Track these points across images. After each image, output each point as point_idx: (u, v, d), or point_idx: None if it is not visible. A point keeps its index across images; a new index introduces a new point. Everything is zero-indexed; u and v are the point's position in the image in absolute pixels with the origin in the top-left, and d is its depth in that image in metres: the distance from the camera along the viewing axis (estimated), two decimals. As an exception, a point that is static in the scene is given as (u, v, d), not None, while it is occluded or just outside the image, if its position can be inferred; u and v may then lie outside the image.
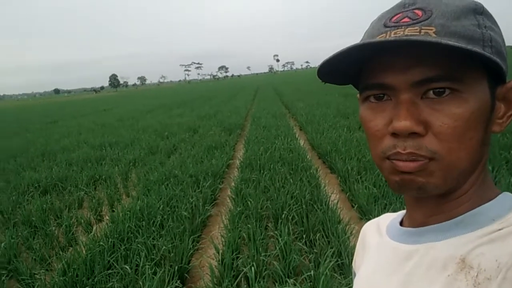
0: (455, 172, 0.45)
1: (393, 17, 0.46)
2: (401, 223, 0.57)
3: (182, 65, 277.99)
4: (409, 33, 0.43)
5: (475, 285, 0.41)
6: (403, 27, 0.44)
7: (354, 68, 0.50)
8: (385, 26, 0.46)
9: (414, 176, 0.45)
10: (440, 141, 0.43)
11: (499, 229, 0.43)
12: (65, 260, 3.28)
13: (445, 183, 0.45)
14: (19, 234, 4.26)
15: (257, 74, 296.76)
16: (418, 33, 0.43)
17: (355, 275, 0.66)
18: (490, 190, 0.49)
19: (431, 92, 0.44)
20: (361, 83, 0.50)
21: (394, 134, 0.45)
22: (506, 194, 0.49)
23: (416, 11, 0.45)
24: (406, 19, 0.45)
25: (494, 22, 0.47)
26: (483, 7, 0.46)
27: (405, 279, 0.49)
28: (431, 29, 0.43)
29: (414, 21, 0.44)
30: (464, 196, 0.48)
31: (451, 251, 0.45)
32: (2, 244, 3.86)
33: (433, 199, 0.49)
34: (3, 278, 3.39)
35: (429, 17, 0.44)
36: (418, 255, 0.49)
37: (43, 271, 3.39)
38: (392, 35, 0.44)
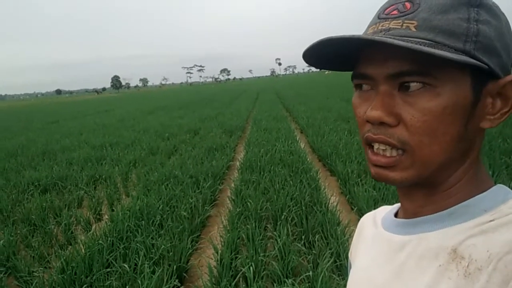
0: (429, 166, 0.46)
1: (387, 8, 0.48)
2: (396, 215, 0.58)
3: (184, 67, 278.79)
4: (393, 26, 0.45)
5: (466, 275, 0.41)
6: (389, 19, 0.46)
7: (348, 57, 0.51)
8: (378, 17, 0.48)
9: (388, 171, 0.47)
10: (411, 134, 0.44)
11: (491, 220, 0.43)
12: (64, 258, 3.28)
13: (419, 177, 0.46)
14: (18, 232, 4.27)
15: (259, 77, 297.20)
16: (400, 27, 0.44)
17: (350, 266, 0.66)
18: (484, 183, 0.49)
19: (405, 85, 0.44)
20: (353, 72, 0.52)
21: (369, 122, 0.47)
22: (500, 186, 0.49)
23: (407, 3, 0.46)
24: (395, 12, 0.46)
25: (494, 14, 0.45)
26: None
27: (398, 269, 0.49)
28: (413, 23, 0.44)
29: (401, 14, 0.45)
30: (453, 188, 0.48)
31: (443, 241, 0.46)
32: (1, 241, 3.86)
33: (421, 191, 0.50)
34: (2, 275, 3.38)
35: (415, 10, 0.44)
36: (411, 245, 0.49)
37: (42, 269, 3.39)
38: (379, 27, 0.46)
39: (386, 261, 0.52)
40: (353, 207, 4.27)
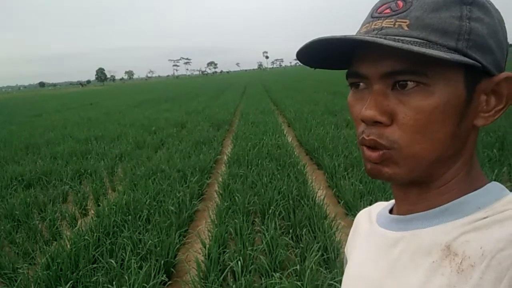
0: (422, 162, 0.46)
1: (379, 7, 0.47)
2: (391, 211, 0.58)
3: (171, 60, 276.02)
4: (386, 25, 0.44)
5: (459, 272, 0.42)
6: (382, 18, 0.46)
7: (342, 56, 0.50)
8: (371, 16, 0.48)
9: (381, 166, 0.47)
10: (403, 132, 0.44)
11: (485, 217, 0.44)
12: (49, 254, 3.23)
13: (411, 173, 0.46)
14: (2, 228, 4.18)
15: (246, 70, 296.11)
16: (392, 26, 0.44)
17: (346, 261, 0.67)
18: (478, 181, 0.49)
19: (398, 84, 0.44)
20: (347, 70, 0.51)
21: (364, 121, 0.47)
22: (494, 183, 0.48)
23: (399, 2, 0.45)
24: (387, 10, 0.46)
25: (487, 12, 0.45)
26: None
27: (391, 265, 0.50)
28: (405, 22, 0.43)
29: (393, 13, 0.45)
30: (447, 186, 0.48)
31: (436, 238, 0.46)
32: (-16, 238, 3.78)
33: (415, 188, 0.50)
34: (-15, 272, 3.32)
35: (407, 9, 0.44)
36: (404, 241, 0.49)
37: (26, 265, 3.34)
38: (372, 26, 0.46)
39: (380, 257, 0.53)
40: (340, 200, 4.31)
